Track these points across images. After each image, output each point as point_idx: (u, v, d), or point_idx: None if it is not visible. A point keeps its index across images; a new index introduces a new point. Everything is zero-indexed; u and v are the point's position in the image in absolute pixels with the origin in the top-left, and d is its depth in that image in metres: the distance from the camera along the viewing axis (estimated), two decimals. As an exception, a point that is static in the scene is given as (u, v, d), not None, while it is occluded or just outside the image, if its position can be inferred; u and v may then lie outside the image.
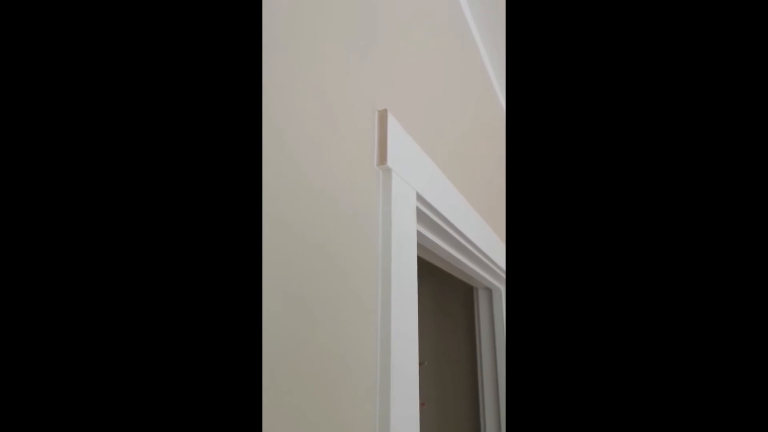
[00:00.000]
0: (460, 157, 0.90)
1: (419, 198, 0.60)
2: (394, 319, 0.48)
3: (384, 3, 0.59)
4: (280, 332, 0.33)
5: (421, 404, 1.46)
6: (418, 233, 0.71)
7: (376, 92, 0.54)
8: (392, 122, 0.53)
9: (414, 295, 0.55)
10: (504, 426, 1.20)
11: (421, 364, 1.51)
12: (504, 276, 1.22)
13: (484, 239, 0.94)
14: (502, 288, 1.30)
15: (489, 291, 1.35)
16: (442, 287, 1.58)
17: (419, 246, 0.81)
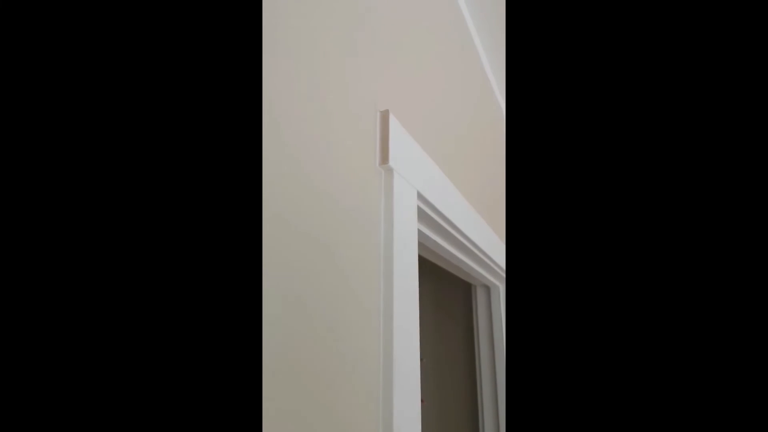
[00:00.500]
0: (460, 157, 0.91)
1: (420, 197, 0.61)
2: (396, 318, 0.49)
3: (385, 5, 0.59)
4: (282, 332, 0.34)
5: (421, 401, 1.47)
6: (419, 232, 0.72)
7: (378, 93, 0.54)
8: (394, 122, 0.53)
9: (415, 293, 0.56)
10: (502, 422, 1.22)
11: (420, 361, 1.51)
12: (502, 274, 1.23)
13: (483, 237, 0.95)
14: (501, 286, 1.31)
15: (487, 288, 1.36)
16: (441, 285, 1.59)
17: (420, 245, 0.82)
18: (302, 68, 0.40)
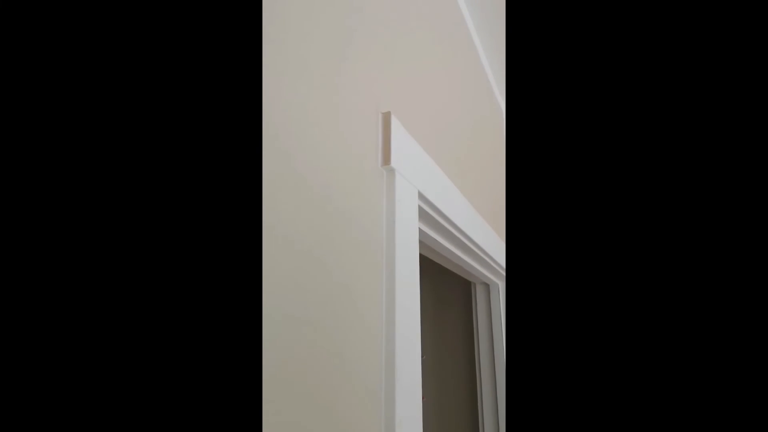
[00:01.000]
0: (461, 157, 0.91)
1: (421, 197, 0.62)
2: (398, 317, 0.50)
3: (386, 7, 0.59)
4: (283, 331, 0.34)
5: (422, 398, 1.48)
6: (420, 231, 0.72)
7: (380, 95, 0.55)
8: (395, 124, 0.54)
9: (416, 292, 0.56)
10: (502, 419, 1.23)
11: (421, 358, 1.52)
12: (502, 272, 1.23)
13: (483, 236, 0.96)
14: (501, 283, 1.32)
15: (487, 286, 1.37)
16: (440, 282, 1.59)
17: (420, 243, 0.82)
18: (303, 70, 0.40)
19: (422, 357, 1.51)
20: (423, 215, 0.68)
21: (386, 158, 0.52)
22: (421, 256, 1.55)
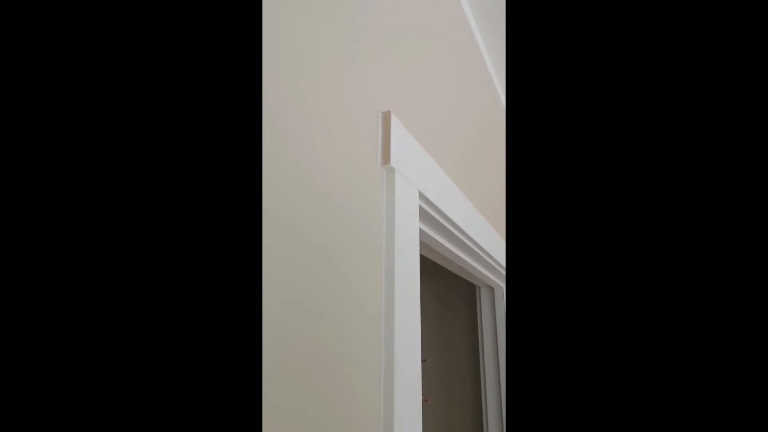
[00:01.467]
0: (462, 157, 0.91)
1: (422, 197, 0.61)
2: (397, 318, 0.49)
3: (386, 5, 0.59)
4: (282, 333, 0.34)
5: (424, 400, 1.47)
6: (421, 231, 0.72)
7: (380, 94, 0.54)
8: (395, 123, 0.54)
9: (417, 293, 0.56)
10: (506, 423, 1.21)
11: (424, 361, 1.51)
12: (505, 274, 1.22)
13: (486, 237, 0.95)
14: (504, 286, 1.31)
15: (491, 289, 1.36)
16: (444, 285, 1.59)
17: (422, 244, 0.82)
18: (303, 69, 0.40)
19: (427, 360, 1.50)
20: (424, 215, 0.68)
21: (386, 157, 0.52)
22: (423, 258, 1.54)
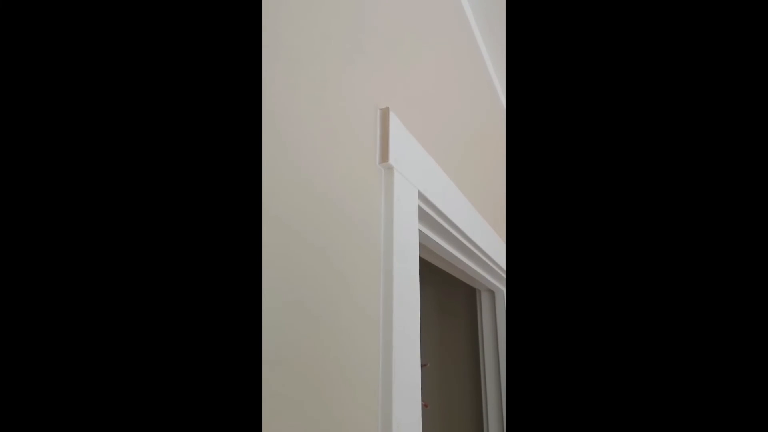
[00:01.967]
0: (463, 157, 0.89)
1: (421, 197, 0.60)
2: (396, 322, 0.48)
3: (389, 4, 0.58)
4: (278, 337, 0.33)
5: (424, 405, 1.45)
6: (420, 233, 0.70)
7: (378, 90, 0.53)
8: (394, 120, 0.52)
9: (416, 296, 0.54)
10: (506, 429, 1.19)
11: (423, 365, 1.50)
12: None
13: (486, 240, 0.93)
14: (505, 290, 1.29)
15: (492, 293, 1.34)
16: (445, 289, 1.57)
17: (421, 246, 0.81)
18: (300, 65, 0.39)
19: (426, 364, 1.49)
20: (423, 216, 0.66)
21: (384, 155, 0.50)
22: (423, 261, 1.53)
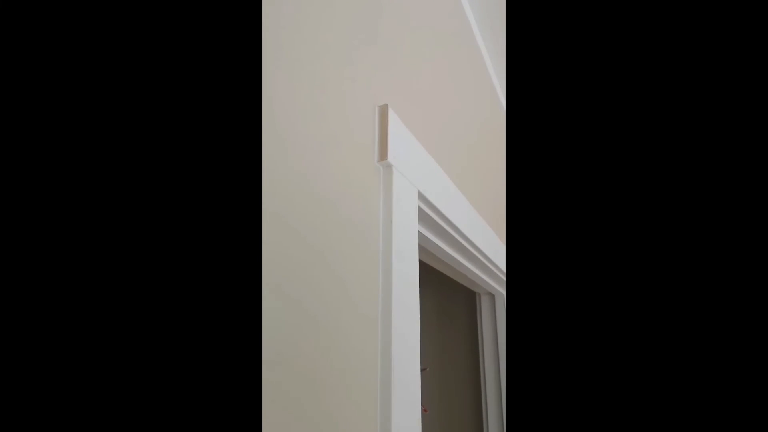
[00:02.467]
0: (463, 158, 0.88)
1: (421, 197, 0.59)
2: (395, 324, 0.46)
3: (389, 2, 0.57)
4: (275, 339, 0.31)
5: (424, 410, 1.44)
6: (420, 235, 0.69)
7: (377, 87, 0.52)
8: (393, 117, 0.51)
9: (416, 298, 0.53)
10: (508, 434, 1.18)
11: (423, 369, 1.48)
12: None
13: (487, 243, 0.92)
14: (505, 293, 1.28)
15: (492, 296, 1.33)
16: (445, 292, 1.56)
17: (421, 249, 0.79)
18: (298, 61, 0.38)
19: (426, 368, 1.47)
20: (423, 217, 0.65)
21: (383, 153, 0.49)
22: (422, 263, 1.52)
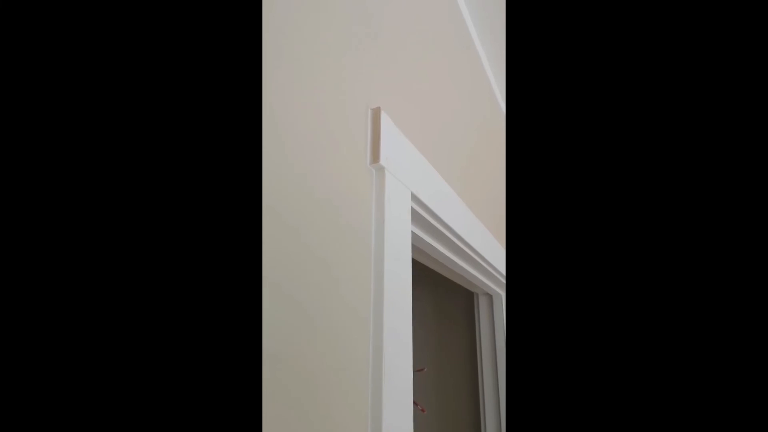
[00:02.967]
0: (460, 161, 0.89)
1: (414, 198, 0.59)
2: (386, 325, 0.47)
3: (380, 1, 0.58)
4: (270, 333, 0.32)
5: (422, 410, 1.44)
6: (414, 236, 0.70)
7: (370, 90, 0.53)
8: (386, 120, 0.52)
9: (408, 298, 0.54)
10: (505, 435, 1.18)
11: (421, 370, 1.49)
12: (504, 282, 1.20)
13: (483, 243, 0.93)
14: (503, 294, 1.28)
15: (489, 297, 1.33)
16: (442, 293, 1.56)
17: (416, 249, 0.80)
18: (289, 63, 0.38)
19: (424, 369, 1.47)
20: (417, 219, 0.66)
21: (375, 156, 0.50)
22: (420, 265, 1.52)
